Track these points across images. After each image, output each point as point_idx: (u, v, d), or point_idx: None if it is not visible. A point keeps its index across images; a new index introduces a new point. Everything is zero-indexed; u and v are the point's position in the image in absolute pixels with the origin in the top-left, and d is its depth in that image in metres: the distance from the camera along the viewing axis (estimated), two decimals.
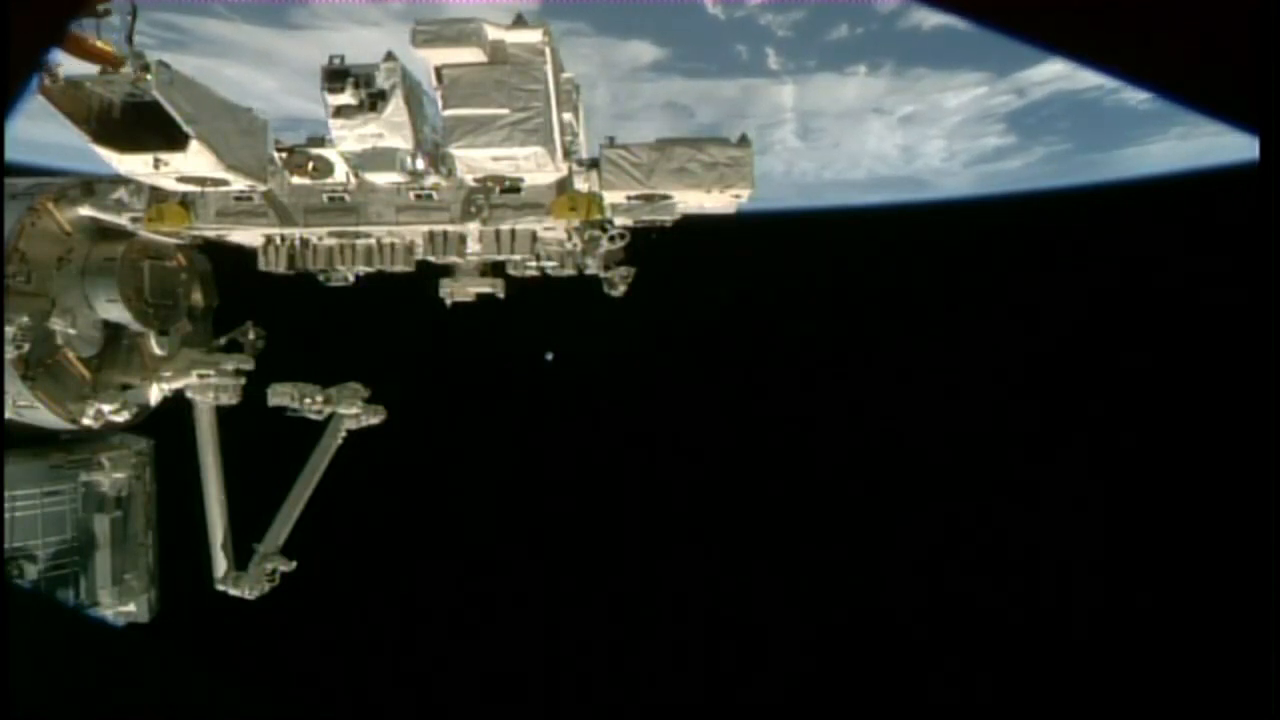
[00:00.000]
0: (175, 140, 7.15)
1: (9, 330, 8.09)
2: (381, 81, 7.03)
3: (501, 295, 9.21)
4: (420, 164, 7.75)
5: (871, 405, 27.44)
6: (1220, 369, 22.51)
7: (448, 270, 9.11)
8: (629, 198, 8.02)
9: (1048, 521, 24.85)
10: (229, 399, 10.12)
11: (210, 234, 8.81)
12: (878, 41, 29.48)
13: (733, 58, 30.29)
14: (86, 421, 9.06)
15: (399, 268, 8.75)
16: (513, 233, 8.32)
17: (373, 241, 8.66)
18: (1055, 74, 28.27)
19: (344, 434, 10.72)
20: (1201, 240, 23.84)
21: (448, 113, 7.05)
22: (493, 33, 6.72)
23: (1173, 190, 28.11)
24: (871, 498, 25.78)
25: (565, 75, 7.64)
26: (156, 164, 7.36)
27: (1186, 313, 24.86)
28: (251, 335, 10.67)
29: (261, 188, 8.12)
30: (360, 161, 7.73)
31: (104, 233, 9.09)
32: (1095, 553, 24.23)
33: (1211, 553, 21.72)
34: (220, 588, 10.56)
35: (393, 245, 8.69)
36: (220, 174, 7.61)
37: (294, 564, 10.74)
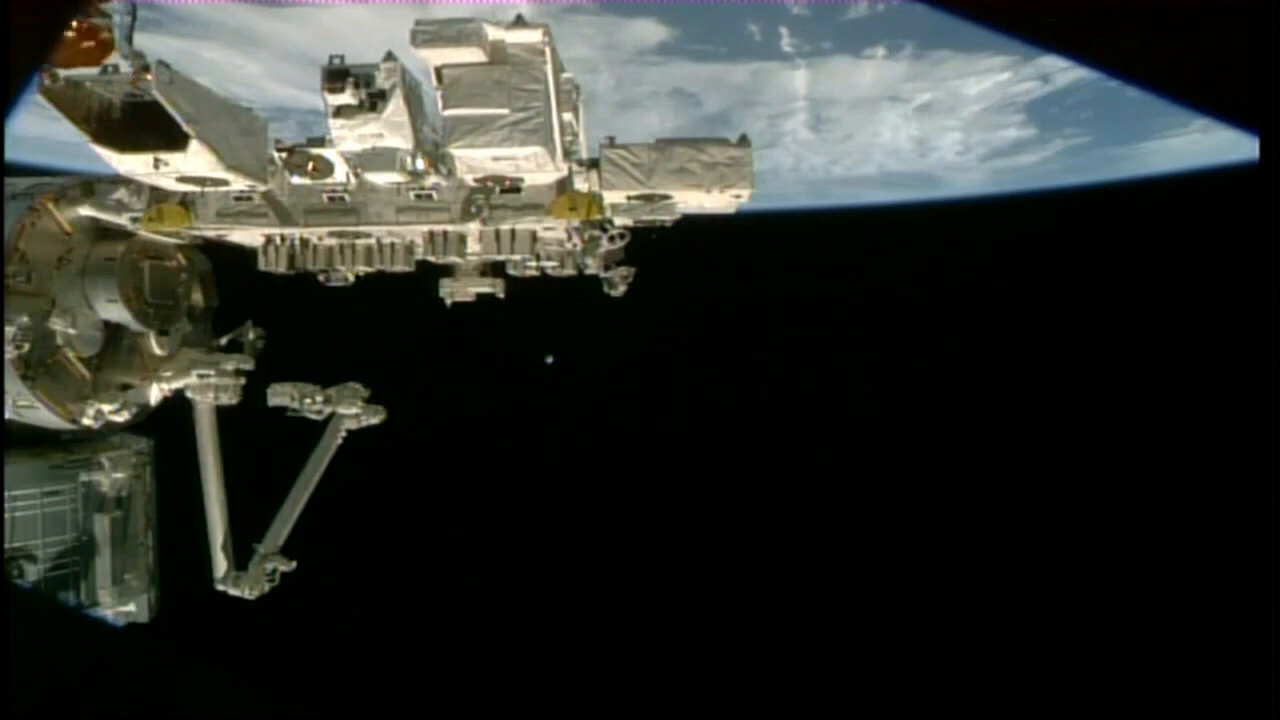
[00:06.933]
0: (175, 140, 7.14)
1: (9, 330, 8.09)
2: (381, 81, 7.03)
3: (501, 295, 9.22)
4: (420, 164, 7.76)
5: (875, 409, 27.43)
6: (1228, 371, 22.48)
7: (448, 270, 9.11)
8: (629, 198, 8.02)
9: (1053, 522, 24.85)
10: (229, 399, 10.12)
11: (210, 234, 8.81)
12: (899, 20, 27.32)
13: (744, 38, 28.32)
14: (86, 421, 9.06)
15: (399, 268, 8.75)
16: (513, 233, 8.33)
17: (373, 241, 8.66)
18: None
19: (344, 434, 10.72)
20: (1212, 242, 23.59)
21: (448, 113, 7.05)
22: (493, 33, 6.72)
23: (1186, 190, 27.60)
24: (878, 501, 25.76)
25: (565, 75, 7.65)
26: (156, 164, 7.36)
27: (1193, 316, 24.79)
28: (251, 335, 10.68)
29: (261, 188, 8.12)
30: (360, 161, 7.73)
31: (104, 233, 9.09)
32: (1104, 556, 24.23)
33: (1215, 553, 21.72)
34: (220, 588, 10.56)
35: (393, 245, 8.69)
36: (220, 174, 7.61)
37: (294, 564, 10.74)
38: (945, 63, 28.84)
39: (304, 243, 8.69)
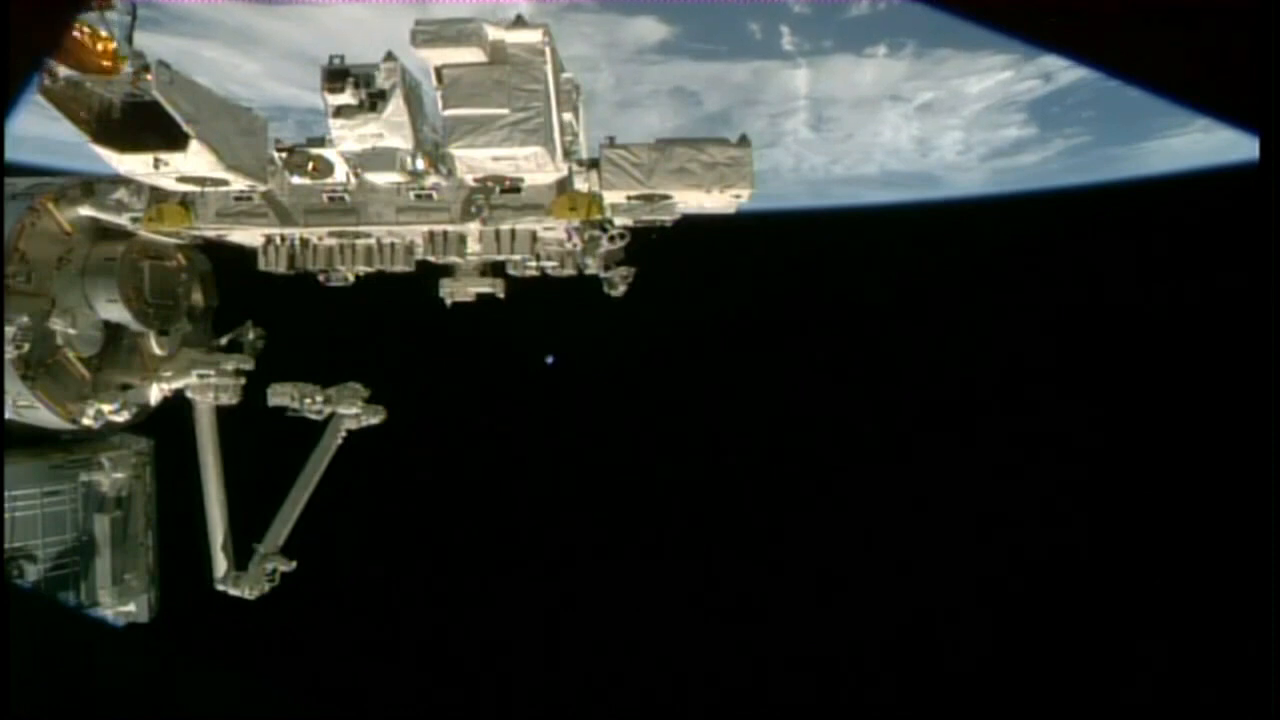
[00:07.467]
0: (175, 140, 7.15)
1: (9, 330, 8.09)
2: (381, 81, 7.04)
3: (501, 295, 9.22)
4: (420, 164, 7.75)
5: (875, 409, 27.41)
6: (1229, 371, 22.46)
7: (448, 270, 9.12)
8: (629, 198, 8.02)
9: (1057, 523, 24.84)
10: (229, 399, 10.12)
11: (210, 234, 8.81)
12: (900, 19, 27.21)
13: (745, 36, 28.23)
14: (86, 421, 9.05)
15: (399, 268, 8.76)
16: (513, 233, 8.33)
17: (373, 241, 8.66)
18: None
19: (344, 434, 10.72)
20: (1212, 242, 23.47)
21: (448, 113, 7.06)
22: (493, 33, 6.72)
23: (1186, 190, 27.45)
24: (879, 502, 25.74)
25: (565, 75, 7.65)
26: (156, 164, 7.37)
27: (1194, 316, 24.74)
28: (251, 335, 10.68)
29: (261, 188, 8.12)
30: (360, 161, 7.73)
31: (104, 233, 9.09)
32: (1103, 556, 24.23)
33: (1216, 551, 21.72)
34: (220, 588, 10.56)
35: (393, 245, 8.69)
36: (220, 174, 7.61)
37: (294, 564, 10.74)
38: (947, 61, 28.68)
39: (304, 243, 8.69)
